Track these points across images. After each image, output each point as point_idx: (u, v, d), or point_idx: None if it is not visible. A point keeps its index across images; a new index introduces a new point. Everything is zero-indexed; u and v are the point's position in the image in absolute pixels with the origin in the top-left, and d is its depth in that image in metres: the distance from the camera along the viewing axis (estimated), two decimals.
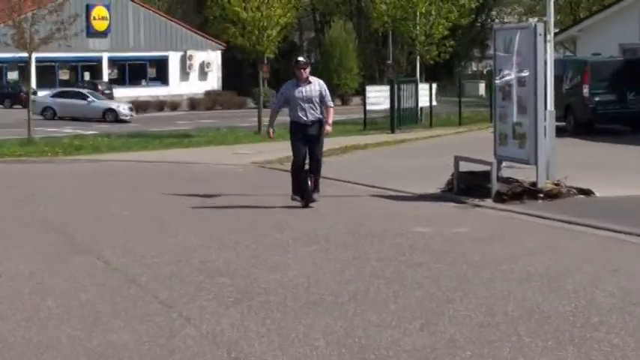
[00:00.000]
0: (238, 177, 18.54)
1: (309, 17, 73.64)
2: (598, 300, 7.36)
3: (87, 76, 61.83)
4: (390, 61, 63.31)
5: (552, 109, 13.97)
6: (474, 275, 8.34)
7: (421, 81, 35.33)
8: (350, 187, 15.70)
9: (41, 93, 50.58)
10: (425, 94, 34.35)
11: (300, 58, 13.58)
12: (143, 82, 64.78)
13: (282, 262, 9.06)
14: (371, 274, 8.44)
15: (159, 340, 6.46)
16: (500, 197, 13.09)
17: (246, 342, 6.37)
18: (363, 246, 9.94)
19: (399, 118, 32.38)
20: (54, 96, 49.66)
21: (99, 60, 62.47)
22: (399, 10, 36.29)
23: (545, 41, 13.56)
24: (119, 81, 62.89)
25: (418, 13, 35.58)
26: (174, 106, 58.63)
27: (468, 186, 13.83)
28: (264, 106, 35.14)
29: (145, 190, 16.14)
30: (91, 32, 60.24)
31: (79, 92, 50.68)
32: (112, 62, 63.56)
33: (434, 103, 35.01)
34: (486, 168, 13.61)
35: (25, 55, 30.00)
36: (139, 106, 52.47)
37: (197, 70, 66.33)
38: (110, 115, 47.28)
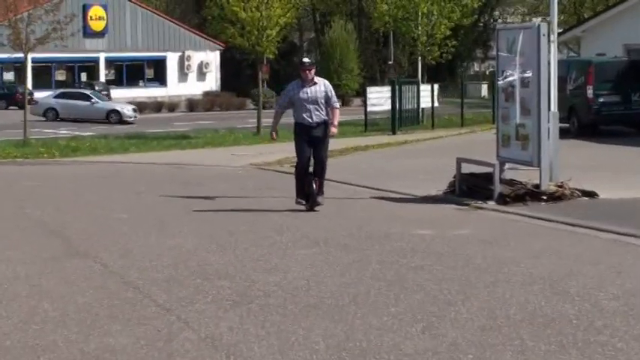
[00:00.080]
0: (237, 179, 18.49)
1: (309, 17, 73.58)
2: (602, 303, 7.31)
3: (84, 76, 61.84)
4: (391, 62, 63.36)
5: (556, 110, 13.92)
6: (476, 278, 8.28)
7: (423, 82, 35.35)
8: (351, 189, 15.65)
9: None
10: (426, 95, 34.36)
11: (306, 59, 13.44)
12: (141, 83, 64.75)
13: (281, 265, 8.99)
14: (372, 277, 8.38)
15: (157, 343, 6.40)
16: (502, 199, 13.03)
17: (246, 345, 6.31)
18: (364, 248, 9.88)
19: (401, 119, 32.39)
20: (57, 97, 49.47)
21: (96, 60, 62.45)
22: (401, 9, 36.30)
23: (549, 41, 13.50)
24: (116, 82, 62.83)
25: (420, 13, 35.61)
26: (172, 107, 58.63)
27: (470, 188, 13.77)
28: (264, 107, 35.15)
29: (143, 192, 16.08)
30: (88, 32, 60.10)
31: (82, 93, 50.57)
32: (109, 63, 63.55)
33: (436, 104, 35.02)
34: (489, 170, 13.54)
35: (21, 55, 29.93)
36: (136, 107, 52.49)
37: (195, 71, 66.25)
38: (114, 117, 47.16)
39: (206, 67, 66.37)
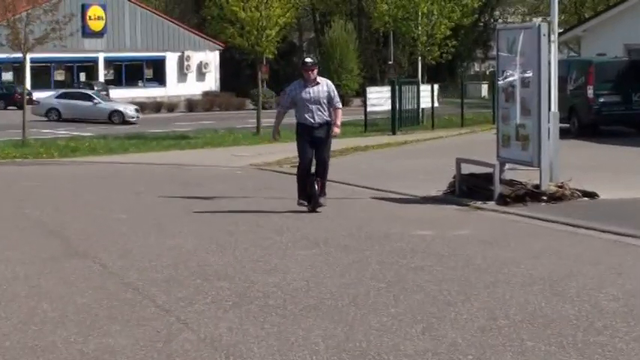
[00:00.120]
0: (237, 179, 18.47)
1: (309, 17, 73.58)
2: (602, 304, 7.29)
3: (83, 76, 61.81)
4: (391, 62, 63.35)
5: (556, 110, 13.89)
6: (476, 279, 8.26)
7: (423, 82, 35.33)
8: (350, 190, 15.64)
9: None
10: (426, 95, 34.36)
11: (308, 59, 13.21)
12: (140, 83, 64.76)
13: (281, 266, 8.98)
14: (371, 278, 8.36)
15: (156, 344, 6.38)
16: (503, 200, 13.01)
17: (245, 346, 6.29)
18: (364, 249, 9.87)
19: (401, 119, 32.38)
20: (59, 97, 49.35)
21: (95, 60, 62.45)
22: (401, 9, 36.28)
23: (549, 41, 13.48)
24: (115, 82, 62.84)
25: (420, 13, 35.59)
26: (171, 107, 58.57)
27: (470, 188, 13.75)
28: (263, 108, 35.13)
29: (142, 192, 16.06)
30: (87, 32, 60.10)
31: (84, 93, 50.47)
32: (108, 63, 63.56)
33: (436, 104, 35.01)
34: (489, 170, 13.53)
35: (20, 55, 29.93)
36: None
37: (195, 71, 66.24)
38: (117, 117, 47.03)
39: (205, 67, 66.35)
